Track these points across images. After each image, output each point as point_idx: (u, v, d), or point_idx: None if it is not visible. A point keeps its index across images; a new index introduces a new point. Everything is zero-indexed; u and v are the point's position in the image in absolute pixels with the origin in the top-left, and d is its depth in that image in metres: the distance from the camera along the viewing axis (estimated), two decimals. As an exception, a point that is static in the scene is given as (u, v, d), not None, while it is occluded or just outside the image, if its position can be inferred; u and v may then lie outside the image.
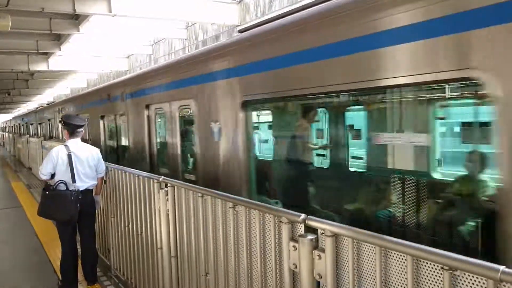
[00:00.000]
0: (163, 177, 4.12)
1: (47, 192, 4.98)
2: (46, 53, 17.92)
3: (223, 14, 12.57)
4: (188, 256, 3.71)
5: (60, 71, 21.51)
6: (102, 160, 5.42)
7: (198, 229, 3.46)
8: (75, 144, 5.18)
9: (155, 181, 4.14)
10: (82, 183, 5.07)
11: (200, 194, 3.37)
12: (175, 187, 3.84)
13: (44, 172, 5.10)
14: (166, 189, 3.97)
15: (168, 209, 3.96)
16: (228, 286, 3.11)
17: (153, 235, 4.30)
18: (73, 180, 4.99)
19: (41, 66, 18.72)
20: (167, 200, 3.95)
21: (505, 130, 2.30)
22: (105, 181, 5.58)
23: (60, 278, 5.29)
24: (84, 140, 5.65)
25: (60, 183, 4.95)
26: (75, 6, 10.60)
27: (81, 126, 5.30)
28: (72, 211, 4.87)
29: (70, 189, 4.93)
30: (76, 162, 5.05)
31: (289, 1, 10.98)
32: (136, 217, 4.73)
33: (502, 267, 1.47)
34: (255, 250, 2.76)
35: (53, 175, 5.09)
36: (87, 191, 5.15)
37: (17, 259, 6.55)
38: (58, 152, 5.07)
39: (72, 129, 5.22)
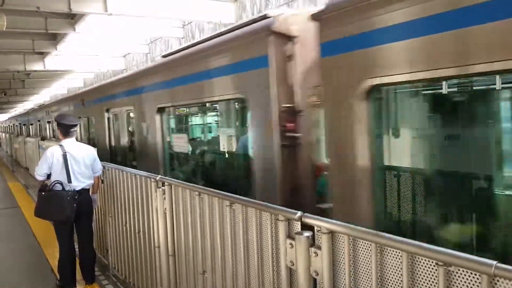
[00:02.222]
0: (160, 176, 4.12)
1: (43, 193, 4.98)
2: (42, 53, 17.86)
3: (220, 12, 12.56)
4: (186, 255, 3.72)
5: (57, 70, 21.44)
6: (98, 159, 5.42)
7: (195, 228, 3.46)
8: (70, 143, 5.17)
9: (152, 180, 4.14)
10: (78, 183, 5.06)
11: (197, 193, 3.38)
12: (172, 185, 3.84)
13: (39, 173, 5.09)
14: (163, 188, 3.98)
15: (165, 208, 3.97)
16: (226, 284, 3.12)
17: (151, 234, 4.31)
18: (69, 180, 4.98)
19: (37, 66, 18.65)
20: (164, 199, 3.96)
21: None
22: (102, 181, 5.58)
23: (58, 278, 5.29)
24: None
25: (56, 183, 4.95)
26: (70, 5, 10.56)
27: (75, 125, 5.29)
28: (68, 211, 4.86)
29: (66, 189, 4.93)
30: (72, 161, 5.04)
31: (285, -1, 10.98)
32: (133, 216, 4.74)
33: (495, 263, 1.49)
34: (252, 248, 2.77)
35: (49, 176, 5.09)
36: (84, 191, 5.15)
37: (15, 259, 6.54)
38: (53, 153, 5.06)
39: (65, 129, 5.21)
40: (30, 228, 8.18)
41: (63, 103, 14.12)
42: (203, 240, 3.38)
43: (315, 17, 3.10)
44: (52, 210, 4.92)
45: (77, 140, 5.41)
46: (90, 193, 5.34)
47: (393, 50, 2.53)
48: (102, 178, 5.55)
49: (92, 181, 5.27)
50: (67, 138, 5.20)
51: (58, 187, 4.93)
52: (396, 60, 2.54)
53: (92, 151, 5.35)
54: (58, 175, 5.00)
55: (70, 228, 5.16)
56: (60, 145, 5.13)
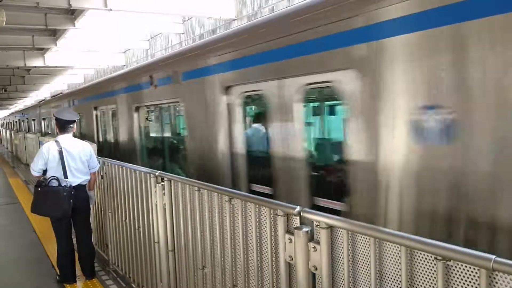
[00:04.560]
0: (159, 171, 4.12)
1: (39, 189, 4.97)
2: (42, 49, 17.84)
3: (220, 8, 12.53)
4: (185, 250, 3.72)
5: (57, 66, 21.43)
6: (95, 155, 5.41)
7: (194, 223, 3.46)
8: (66, 139, 5.17)
9: (152, 175, 4.14)
10: (75, 179, 5.06)
11: (196, 188, 3.38)
12: (172, 181, 3.84)
13: (35, 169, 5.09)
14: (162, 183, 3.98)
15: (164, 203, 3.97)
16: (225, 279, 3.12)
17: (150, 229, 4.31)
18: (65, 176, 4.97)
19: (37, 62, 18.62)
20: (164, 194, 3.96)
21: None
22: (102, 176, 5.57)
23: (58, 273, 5.30)
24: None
25: (53, 179, 4.94)
26: (70, 1, 10.52)
27: (72, 121, 5.26)
28: (65, 207, 4.85)
29: (63, 185, 4.92)
30: (68, 157, 5.04)
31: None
32: (133, 212, 4.74)
33: (494, 257, 1.48)
34: (251, 242, 2.77)
35: (45, 172, 5.08)
36: (80, 187, 5.13)
37: (15, 255, 6.55)
38: (48, 148, 5.05)
39: (62, 124, 5.20)
40: (30, 223, 8.19)
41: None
42: (202, 236, 3.38)
43: None
44: (48, 206, 4.90)
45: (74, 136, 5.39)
46: (87, 189, 5.34)
47: None
48: (101, 174, 5.55)
49: (88, 177, 5.26)
50: (63, 134, 5.19)
51: (55, 183, 4.92)
52: None
53: (88, 147, 5.32)
54: (55, 171, 4.99)
55: (67, 224, 5.16)
56: (56, 141, 5.12)
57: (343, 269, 2.14)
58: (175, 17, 15.23)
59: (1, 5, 10.19)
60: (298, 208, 2.35)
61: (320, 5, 3.32)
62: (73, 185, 5.00)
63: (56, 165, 5.00)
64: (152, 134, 7.37)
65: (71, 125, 5.26)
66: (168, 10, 12.04)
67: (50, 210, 4.95)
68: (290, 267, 2.47)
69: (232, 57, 4.22)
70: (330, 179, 3.79)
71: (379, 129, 2.83)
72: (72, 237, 5.31)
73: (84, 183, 5.21)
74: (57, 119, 5.25)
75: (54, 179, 4.94)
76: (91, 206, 5.58)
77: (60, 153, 5.01)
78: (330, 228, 2.18)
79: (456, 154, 2.42)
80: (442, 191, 2.50)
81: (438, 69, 2.46)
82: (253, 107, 4.52)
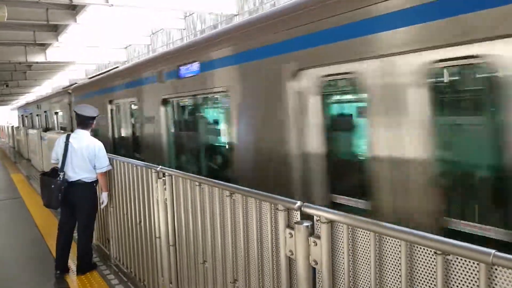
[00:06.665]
0: (160, 166, 4.13)
1: (40, 176, 5.38)
2: (43, 44, 17.86)
3: (221, 3, 12.51)
4: (186, 245, 3.74)
5: (58, 62, 21.44)
6: (104, 155, 5.26)
7: (195, 218, 3.48)
8: (78, 134, 5.25)
9: (153, 170, 4.15)
10: (74, 174, 5.09)
11: (197, 183, 3.39)
12: (173, 176, 3.85)
13: (52, 157, 5.38)
14: (164, 178, 3.99)
15: (166, 198, 3.98)
16: (226, 274, 3.13)
17: (152, 224, 4.33)
18: (61, 169, 5.09)
19: (38, 57, 18.65)
20: (165, 189, 3.97)
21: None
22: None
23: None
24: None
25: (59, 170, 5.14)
26: (71, -4, 10.55)
27: (92, 117, 5.31)
28: (51, 198, 5.02)
29: (61, 177, 5.06)
30: (71, 152, 5.11)
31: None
32: (134, 207, 4.76)
33: (493, 251, 1.49)
34: (252, 237, 2.78)
35: None
36: (80, 183, 5.11)
37: (17, 250, 6.57)
38: (59, 140, 5.28)
39: (80, 120, 5.29)
40: (33, 219, 8.22)
41: None
42: (203, 230, 3.39)
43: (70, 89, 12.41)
44: (42, 193, 5.24)
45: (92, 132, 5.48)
46: (101, 190, 5.39)
47: None
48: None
49: (91, 175, 5.19)
50: (80, 129, 5.29)
51: (61, 174, 5.09)
52: None
53: (93, 145, 5.20)
54: (60, 162, 5.16)
55: (66, 215, 5.25)
56: (68, 134, 5.29)
57: (343, 263, 2.15)
58: (176, 12, 15.21)
59: (2, 1, 10.20)
60: (298, 203, 2.36)
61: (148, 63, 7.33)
62: (71, 180, 5.06)
63: (61, 157, 5.16)
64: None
65: (91, 121, 5.33)
66: (169, 6, 12.03)
67: (43, 198, 5.27)
68: (290, 262, 2.48)
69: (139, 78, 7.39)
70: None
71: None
72: (75, 232, 5.37)
73: (86, 181, 5.16)
74: (77, 115, 5.31)
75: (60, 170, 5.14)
76: (100, 206, 5.54)
77: (66, 146, 5.14)
78: (331, 222, 2.19)
79: None
80: None
81: None
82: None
